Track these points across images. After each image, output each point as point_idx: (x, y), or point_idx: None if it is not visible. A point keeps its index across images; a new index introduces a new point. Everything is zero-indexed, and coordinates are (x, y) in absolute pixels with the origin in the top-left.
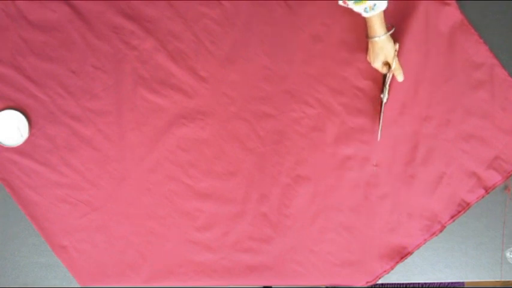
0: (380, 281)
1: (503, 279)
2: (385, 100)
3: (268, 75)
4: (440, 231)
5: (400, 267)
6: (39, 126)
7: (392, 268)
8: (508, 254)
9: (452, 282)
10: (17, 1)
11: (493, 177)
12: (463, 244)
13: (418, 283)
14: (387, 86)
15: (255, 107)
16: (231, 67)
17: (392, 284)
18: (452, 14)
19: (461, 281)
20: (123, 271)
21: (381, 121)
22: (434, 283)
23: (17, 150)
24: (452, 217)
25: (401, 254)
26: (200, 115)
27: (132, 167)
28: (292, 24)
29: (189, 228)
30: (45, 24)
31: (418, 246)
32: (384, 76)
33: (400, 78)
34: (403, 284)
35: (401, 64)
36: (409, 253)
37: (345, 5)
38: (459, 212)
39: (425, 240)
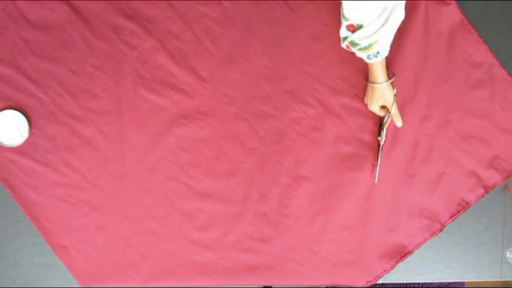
0: (380, 281)
1: (503, 279)
2: (382, 142)
3: (268, 75)
4: (440, 230)
5: (400, 267)
6: (39, 126)
7: (392, 268)
8: (508, 254)
9: (452, 282)
10: (17, 1)
11: (493, 177)
12: (463, 244)
13: (418, 283)
14: (385, 129)
15: (255, 107)
16: (231, 67)
17: (392, 284)
18: (452, 13)
19: (461, 281)
20: (123, 271)
21: (378, 163)
22: (434, 283)
23: (17, 150)
24: (452, 216)
25: (402, 254)
26: (200, 115)
27: (132, 167)
28: (292, 24)
29: (189, 228)
30: (45, 24)
31: (418, 246)
32: (381, 119)
33: (399, 124)
34: (403, 284)
35: (401, 63)
36: (409, 252)
37: (348, 49)
38: (459, 211)
39: (425, 240)
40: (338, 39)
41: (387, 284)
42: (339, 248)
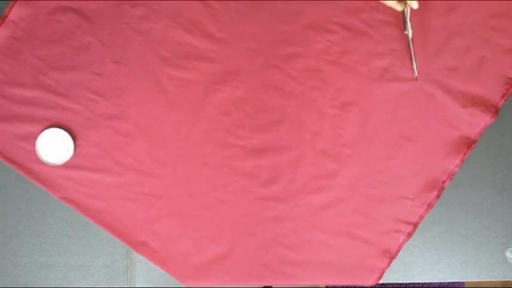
0: (380, 281)
1: (503, 279)
2: (410, 35)
3: (283, 16)
4: (496, 113)
5: (400, 267)
6: (82, 135)
7: (462, 161)
8: (508, 254)
9: (452, 282)
10: (22, 24)
11: None
12: (463, 244)
13: (418, 283)
14: (408, 21)
15: (280, 50)
16: (245, 20)
17: (392, 284)
18: None
19: (461, 281)
20: (203, 245)
21: (413, 57)
22: (434, 283)
23: (68, 165)
24: (503, 97)
25: (467, 144)
26: (230, 76)
27: (181, 147)
28: None
29: (254, 187)
30: (55, 36)
31: (480, 133)
32: (402, 13)
33: (414, 5)
34: (403, 284)
35: None
36: (474, 141)
37: None
38: (508, 90)
39: (486, 124)
40: None
41: (387, 284)
42: (404, 159)
